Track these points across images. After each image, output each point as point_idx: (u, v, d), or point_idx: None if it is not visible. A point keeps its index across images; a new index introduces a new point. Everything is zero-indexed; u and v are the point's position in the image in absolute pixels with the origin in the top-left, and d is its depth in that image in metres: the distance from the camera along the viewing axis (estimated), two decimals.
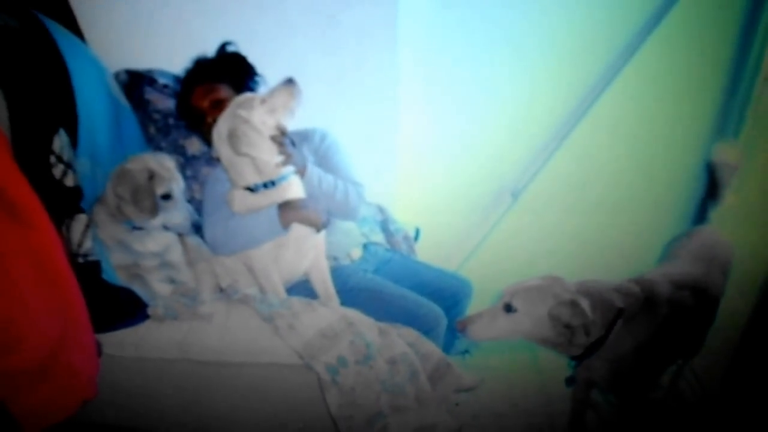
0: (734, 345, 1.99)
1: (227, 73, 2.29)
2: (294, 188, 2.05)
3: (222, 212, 2.07)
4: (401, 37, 2.67)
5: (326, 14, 2.59)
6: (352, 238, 2.38)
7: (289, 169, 2.04)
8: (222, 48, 2.33)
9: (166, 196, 1.91)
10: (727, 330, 2.10)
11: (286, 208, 1.99)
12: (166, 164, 1.94)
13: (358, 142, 2.52)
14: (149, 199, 1.86)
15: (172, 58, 2.37)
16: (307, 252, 2.11)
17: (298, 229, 2.04)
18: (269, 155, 1.94)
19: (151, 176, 1.88)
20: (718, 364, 2.30)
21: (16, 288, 1.35)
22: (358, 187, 2.25)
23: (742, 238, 2.35)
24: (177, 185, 1.94)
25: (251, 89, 2.30)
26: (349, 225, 2.41)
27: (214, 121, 2.01)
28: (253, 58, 2.36)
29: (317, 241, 2.13)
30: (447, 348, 2.29)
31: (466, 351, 2.44)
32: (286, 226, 1.99)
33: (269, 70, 2.35)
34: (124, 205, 1.87)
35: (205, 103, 2.23)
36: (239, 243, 2.02)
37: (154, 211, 1.88)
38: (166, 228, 1.94)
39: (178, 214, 1.94)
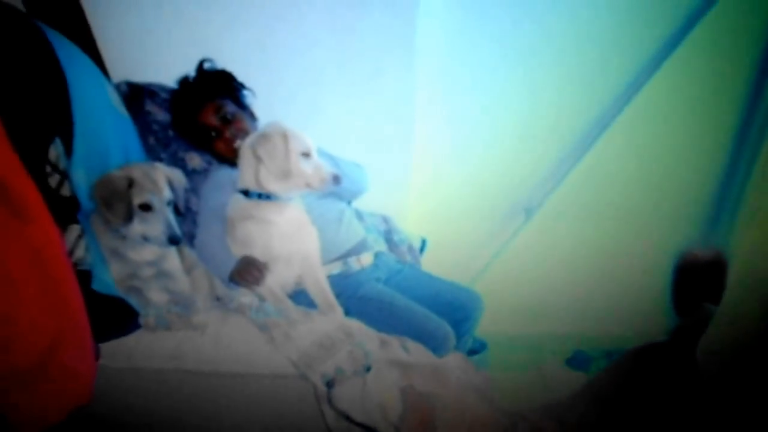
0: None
1: (227, 89, 2.51)
2: (289, 213, 2.26)
3: (210, 228, 2.32)
4: (418, 48, 2.77)
5: (343, 24, 2.71)
6: (354, 232, 2.51)
7: (294, 194, 2.26)
8: (201, 65, 2.52)
9: (146, 207, 2.00)
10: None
11: (242, 267, 2.16)
12: (152, 175, 2.04)
13: (372, 152, 2.67)
14: (122, 205, 1.95)
15: (188, 69, 2.55)
16: (295, 263, 2.27)
17: (285, 241, 2.23)
18: (279, 172, 2.17)
19: (131, 184, 1.98)
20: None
21: (13, 285, 1.41)
22: (358, 165, 2.51)
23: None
24: (158, 198, 2.02)
25: (244, 102, 2.55)
26: (350, 220, 2.55)
27: (233, 134, 2.39)
28: (267, 70, 2.57)
29: (308, 251, 2.29)
30: None
31: (475, 350, 2.55)
32: (232, 279, 2.18)
33: (283, 80, 2.55)
34: (103, 209, 1.96)
35: (215, 120, 2.45)
36: (207, 265, 2.28)
37: (127, 218, 1.97)
38: (145, 239, 2.03)
39: (157, 226, 2.02)
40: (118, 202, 1.96)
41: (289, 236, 2.26)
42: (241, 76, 2.55)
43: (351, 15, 2.69)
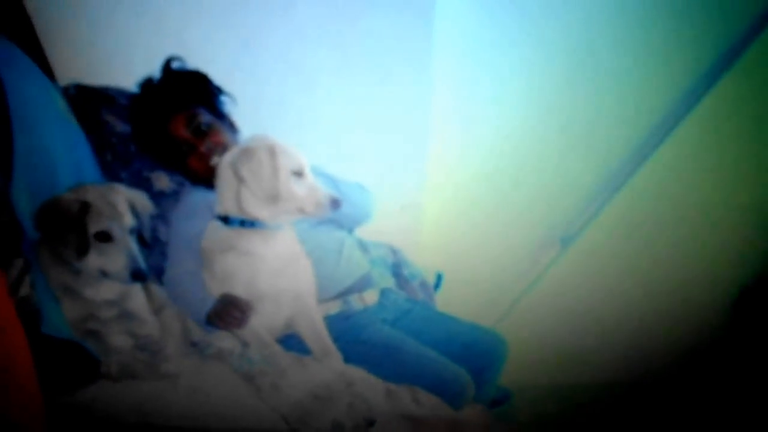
0: None
1: (201, 94, 2.41)
2: (278, 243, 2.16)
3: (182, 261, 2.22)
4: (435, 49, 2.75)
5: (343, 21, 2.67)
6: (356, 266, 2.43)
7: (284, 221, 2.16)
8: (168, 65, 2.41)
9: (104, 236, 1.88)
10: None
11: (221, 308, 2.05)
12: (111, 198, 1.92)
13: (378, 171, 2.60)
14: (75, 235, 1.84)
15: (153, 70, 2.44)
16: (285, 302, 2.17)
17: (273, 277, 2.13)
18: (266, 195, 2.05)
19: (85, 210, 1.86)
20: None
21: None
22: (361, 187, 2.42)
23: None
24: (119, 225, 1.91)
25: (221, 110, 2.46)
26: (352, 251, 2.46)
27: (209, 149, 2.29)
28: (251, 73, 2.49)
29: (301, 289, 2.19)
30: None
31: (498, 402, 2.45)
32: (209, 321, 2.06)
33: (270, 85, 2.48)
34: (51, 240, 1.87)
35: (187, 132, 2.34)
36: (179, 305, 2.17)
37: (81, 250, 1.85)
38: (104, 274, 1.91)
39: (119, 259, 1.90)
40: (70, 231, 1.84)
41: (278, 271, 2.15)
42: (220, 79, 2.45)
43: (353, 10, 2.64)
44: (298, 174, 2.08)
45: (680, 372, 3.23)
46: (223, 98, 2.47)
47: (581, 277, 3.17)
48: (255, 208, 2.10)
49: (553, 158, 3.05)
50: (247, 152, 2.07)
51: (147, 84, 2.42)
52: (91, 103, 2.47)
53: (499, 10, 2.82)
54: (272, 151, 2.05)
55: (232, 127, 2.48)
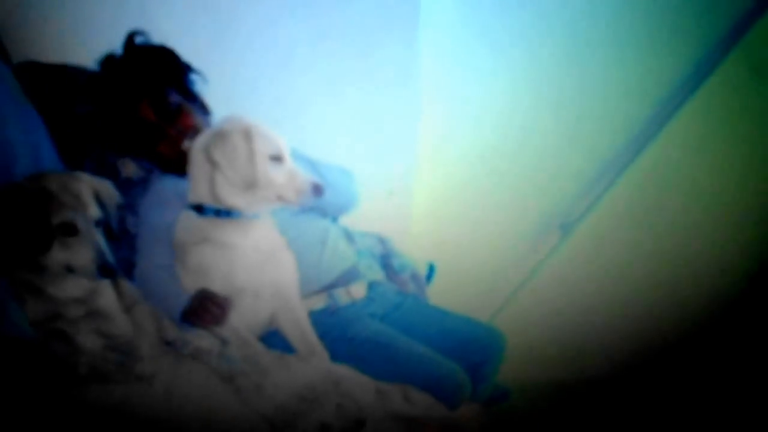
0: None
1: (168, 72, 2.36)
2: (256, 234, 2.13)
3: (154, 255, 2.17)
4: (425, 22, 2.74)
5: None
6: (342, 257, 2.40)
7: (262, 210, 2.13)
8: (131, 40, 2.34)
9: (68, 229, 1.85)
10: None
11: (197, 304, 2.02)
12: (73, 187, 1.89)
13: (364, 155, 2.60)
14: (39, 227, 1.80)
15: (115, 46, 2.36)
16: (266, 298, 2.15)
17: (252, 270, 2.10)
18: (242, 181, 2.03)
19: (47, 199, 1.83)
20: None
21: None
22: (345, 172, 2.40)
23: None
24: (84, 217, 1.87)
25: (191, 90, 2.40)
26: (337, 242, 2.43)
27: (179, 133, 2.24)
28: (226, 51, 2.46)
29: (282, 282, 2.17)
30: None
31: (495, 400, 2.45)
32: (185, 317, 2.03)
33: (246, 64, 2.45)
34: (8, 235, 1.81)
35: (154, 115, 2.30)
36: (152, 301, 2.13)
37: (45, 244, 1.82)
38: (69, 269, 1.88)
39: (84, 254, 1.87)
40: (30, 224, 1.80)
41: (258, 264, 2.12)
42: (188, 56, 2.38)
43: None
44: (277, 159, 2.05)
45: (684, 367, 3.23)
46: (193, 76, 2.41)
47: (582, 266, 3.17)
48: (230, 196, 2.07)
49: (551, 141, 3.04)
50: (221, 135, 2.04)
51: (108, 62, 2.35)
52: (46, 82, 2.41)
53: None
54: (248, 134, 2.02)
55: (203, 109, 2.43)
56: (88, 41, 2.41)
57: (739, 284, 3.24)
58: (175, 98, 2.33)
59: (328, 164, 2.41)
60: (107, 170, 2.39)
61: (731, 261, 3.22)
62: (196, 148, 2.10)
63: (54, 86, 2.41)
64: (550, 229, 3.18)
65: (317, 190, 2.04)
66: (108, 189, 2.01)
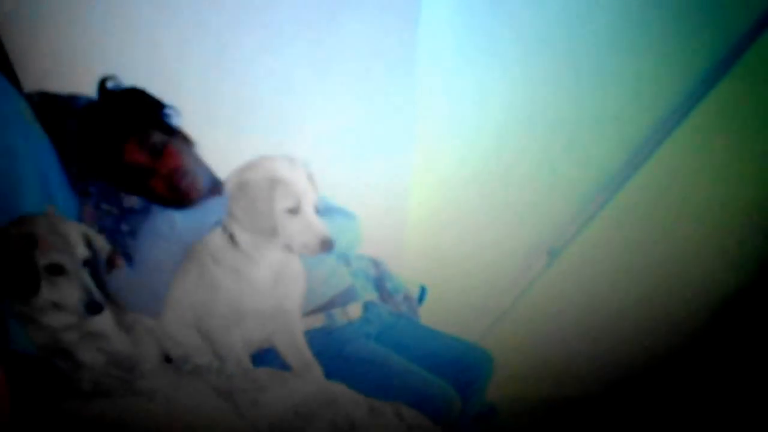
0: None
1: (146, 112, 2.35)
2: (268, 258, 2.12)
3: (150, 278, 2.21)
4: (421, 46, 2.77)
5: (323, 12, 2.65)
6: (339, 278, 2.43)
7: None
8: (103, 86, 2.33)
9: (55, 269, 1.85)
10: None
11: None
12: (61, 229, 1.89)
13: (357, 174, 2.65)
14: (25, 272, 1.80)
15: (136, 72, 2.38)
16: (268, 320, 2.18)
17: (258, 296, 2.13)
18: (256, 230, 2.04)
19: (32, 244, 1.82)
20: None
21: None
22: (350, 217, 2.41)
23: None
24: (71, 257, 1.87)
25: (168, 125, 2.39)
26: (334, 263, 2.45)
27: (170, 171, 2.27)
28: (227, 71, 2.50)
29: (286, 307, 2.19)
30: None
31: (482, 417, 2.48)
32: None
33: (247, 84, 2.49)
34: None
35: (143, 156, 2.30)
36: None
37: (34, 287, 1.82)
38: (57, 307, 1.88)
39: (72, 292, 1.86)
40: (17, 269, 1.81)
41: (266, 289, 2.14)
42: (194, 79, 2.43)
43: (332, 7, 2.65)
44: (294, 211, 2.03)
45: (673, 384, 3.25)
46: (168, 111, 2.40)
47: (570, 287, 3.18)
48: (239, 233, 2.09)
49: (543, 163, 3.06)
50: (243, 185, 2.04)
51: (89, 110, 2.36)
52: (56, 112, 2.40)
53: (487, 8, 2.85)
54: (272, 185, 2.01)
55: (186, 141, 2.43)
56: (99, 69, 2.39)
57: (732, 304, 3.25)
58: (157, 137, 2.32)
59: (341, 208, 2.44)
60: (111, 198, 2.41)
61: (720, 282, 3.24)
62: (226, 187, 2.12)
63: (62, 116, 2.41)
64: (539, 251, 3.21)
65: (326, 245, 2.00)
66: (99, 240, 2.03)
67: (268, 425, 1.90)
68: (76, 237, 1.90)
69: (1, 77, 2.21)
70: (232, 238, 2.09)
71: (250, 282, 2.11)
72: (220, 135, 2.53)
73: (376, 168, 2.92)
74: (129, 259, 2.31)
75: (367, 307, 2.49)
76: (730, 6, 2.83)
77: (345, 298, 2.41)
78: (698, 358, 3.19)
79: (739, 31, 2.83)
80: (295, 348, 2.17)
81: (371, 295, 2.61)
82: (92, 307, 1.87)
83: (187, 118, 2.42)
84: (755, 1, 2.74)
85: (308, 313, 2.29)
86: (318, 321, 2.32)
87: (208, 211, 2.28)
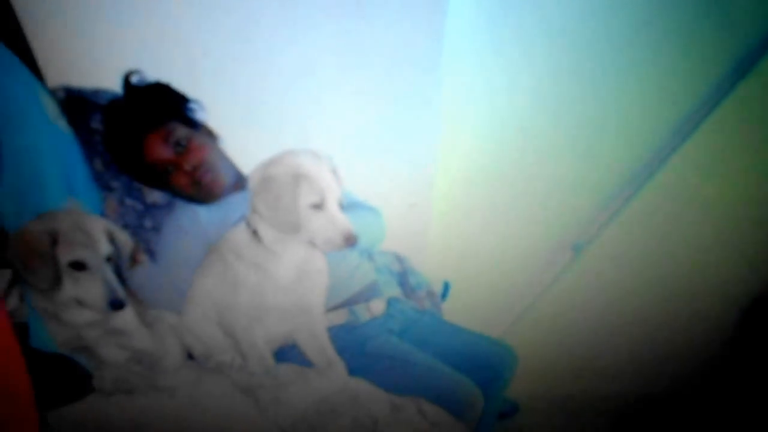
0: None
1: (170, 107, 2.33)
2: (292, 253, 2.08)
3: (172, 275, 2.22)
4: (448, 39, 2.74)
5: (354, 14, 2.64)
6: (363, 273, 2.41)
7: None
8: (128, 81, 2.32)
9: (78, 266, 1.84)
10: None
11: None
12: (85, 225, 1.88)
13: (381, 170, 2.62)
14: (47, 268, 1.79)
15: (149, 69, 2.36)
16: (291, 317, 2.14)
17: (281, 293, 2.09)
18: (280, 226, 1.99)
19: (55, 240, 1.81)
20: None
21: None
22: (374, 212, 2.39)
23: None
24: (94, 254, 1.86)
25: (192, 119, 2.37)
26: (357, 258, 2.42)
27: (193, 166, 2.24)
28: (250, 63, 2.49)
29: (310, 304, 2.15)
30: None
31: (505, 414, 2.46)
32: None
33: (270, 76, 2.48)
34: (23, 274, 1.80)
35: (167, 152, 2.27)
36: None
37: (54, 283, 1.82)
38: (80, 303, 1.87)
39: (95, 289, 1.86)
40: (41, 265, 1.80)
41: (290, 284, 2.10)
42: (218, 73, 2.40)
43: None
44: (318, 206, 1.98)
45: (697, 384, 3.22)
46: (192, 105, 2.38)
47: (595, 283, 3.15)
48: (262, 228, 2.05)
49: (568, 158, 3.04)
50: (267, 180, 1.99)
51: (113, 106, 2.34)
52: (80, 107, 2.38)
53: (515, 2, 2.83)
54: (296, 180, 1.96)
55: (210, 135, 2.41)
56: (123, 63, 2.39)
57: (762, 301, 3.23)
58: (181, 132, 2.30)
59: (365, 204, 2.42)
60: (134, 193, 2.40)
61: (750, 279, 3.20)
62: (249, 182, 2.07)
63: (86, 112, 2.40)
64: (563, 246, 3.18)
65: (349, 240, 1.95)
66: (122, 236, 2.01)
67: (290, 423, 1.89)
68: (99, 233, 1.89)
69: (25, 72, 2.19)
70: (255, 233, 2.05)
71: (273, 278, 2.07)
72: (243, 129, 2.52)
73: (401, 163, 2.90)
74: (152, 255, 2.31)
75: (390, 303, 2.46)
76: (755, 3, 2.76)
77: (368, 293, 2.39)
78: (725, 357, 3.14)
79: (754, 38, 2.82)
80: (318, 344, 2.14)
81: (394, 291, 2.59)
82: (115, 304, 1.86)
83: (210, 112, 2.40)
84: None
85: (331, 309, 2.26)
86: (341, 317, 2.28)
87: (231, 206, 2.29)
